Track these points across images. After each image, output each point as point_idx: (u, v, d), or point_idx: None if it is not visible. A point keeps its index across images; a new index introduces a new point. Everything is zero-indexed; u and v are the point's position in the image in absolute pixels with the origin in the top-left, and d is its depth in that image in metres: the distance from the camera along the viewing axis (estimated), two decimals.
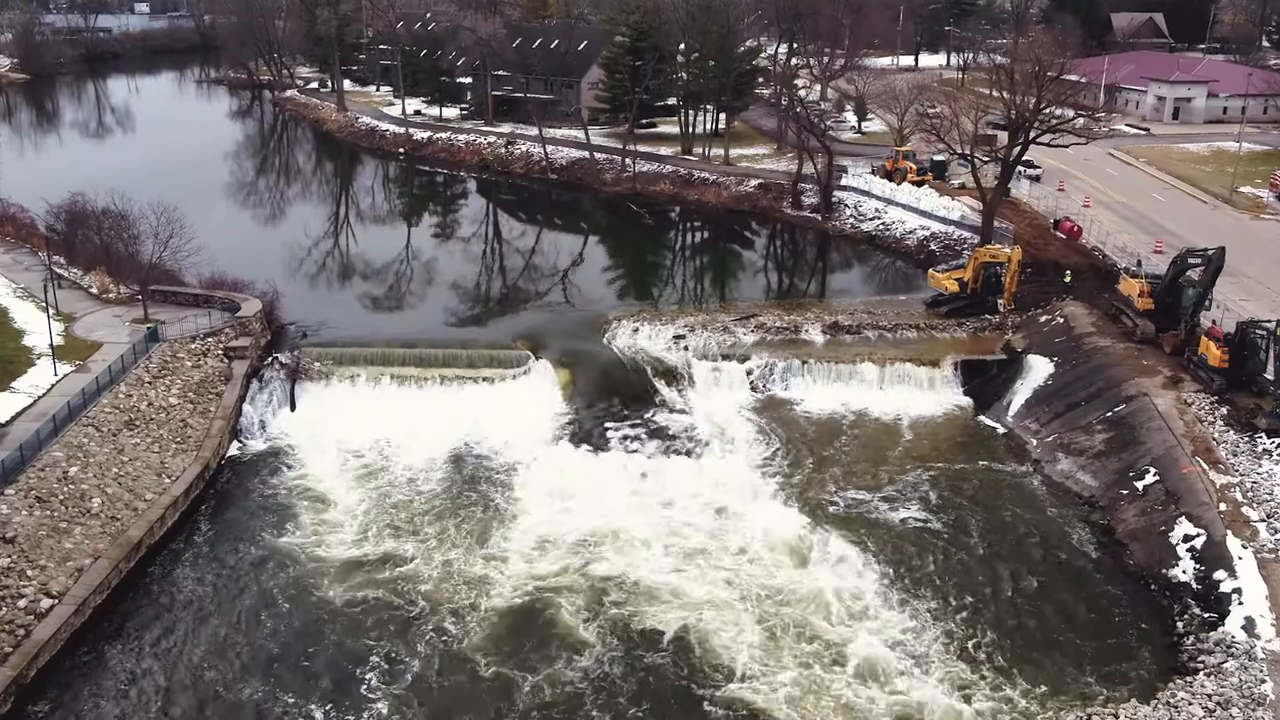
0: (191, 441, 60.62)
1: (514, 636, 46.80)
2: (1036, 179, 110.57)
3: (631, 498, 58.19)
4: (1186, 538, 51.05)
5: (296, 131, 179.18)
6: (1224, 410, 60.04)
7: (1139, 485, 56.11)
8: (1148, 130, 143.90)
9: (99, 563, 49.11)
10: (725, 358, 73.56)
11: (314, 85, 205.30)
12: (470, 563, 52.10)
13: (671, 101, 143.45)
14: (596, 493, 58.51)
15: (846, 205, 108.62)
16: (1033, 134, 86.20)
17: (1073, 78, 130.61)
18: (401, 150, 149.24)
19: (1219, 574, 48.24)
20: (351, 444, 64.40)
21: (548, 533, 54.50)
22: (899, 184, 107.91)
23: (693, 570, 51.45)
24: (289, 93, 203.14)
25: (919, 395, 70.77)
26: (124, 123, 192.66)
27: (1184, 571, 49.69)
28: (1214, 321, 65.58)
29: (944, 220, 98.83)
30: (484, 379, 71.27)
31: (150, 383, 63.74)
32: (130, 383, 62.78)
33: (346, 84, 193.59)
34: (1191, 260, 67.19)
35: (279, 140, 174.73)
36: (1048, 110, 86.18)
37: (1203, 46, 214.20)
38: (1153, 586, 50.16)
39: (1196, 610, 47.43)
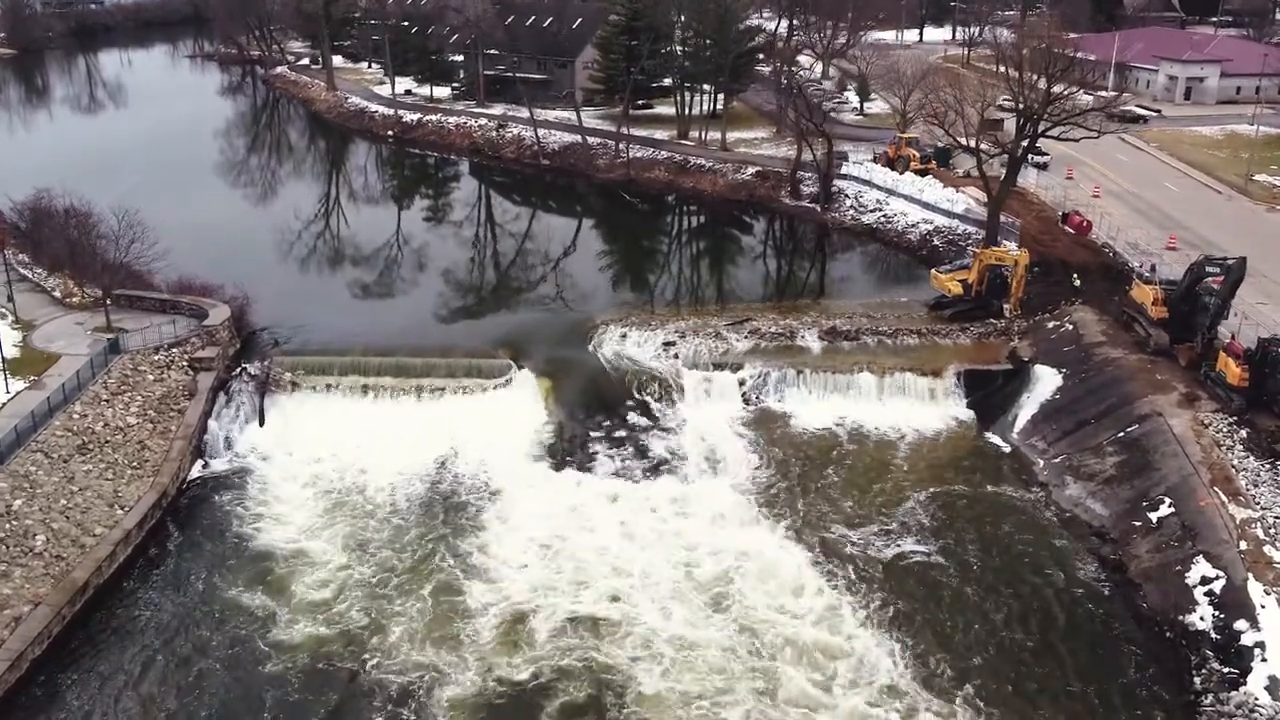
0: (149, 465, 57.26)
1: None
2: (1044, 166, 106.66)
3: (615, 530, 54.59)
4: (1204, 580, 47.65)
5: (284, 112, 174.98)
6: (1243, 433, 56.41)
7: (1153, 517, 52.63)
8: (1159, 112, 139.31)
9: (39, 610, 45.86)
10: (717, 366, 70.08)
11: (305, 61, 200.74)
12: (440, 624, 47.46)
13: (668, 82, 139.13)
14: (578, 525, 55.04)
15: (846, 195, 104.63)
16: (1041, 127, 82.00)
17: (1088, 57, 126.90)
18: (390, 133, 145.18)
19: (1240, 624, 44.88)
20: (321, 464, 61.21)
21: (525, 583, 50.33)
22: (901, 173, 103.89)
23: (679, 621, 47.78)
24: (279, 69, 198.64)
25: (920, 408, 67.23)
26: (106, 103, 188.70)
27: (1202, 619, 46.31)
28: (1233, 335, 61.86)
29: (948, 213, 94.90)
30: (464, 389, 67.96)
31: (108, 400, 60.34)
32: (86, 401, 59.39)
33: (338, 60, 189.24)
34: (1209, 269, 63.41)
35: (265, 122, 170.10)
36: (1057, 101, 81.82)
37: (1214, 20, 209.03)
38: (1168, 634, 46.81)
39: (1216, 665, 44.13)
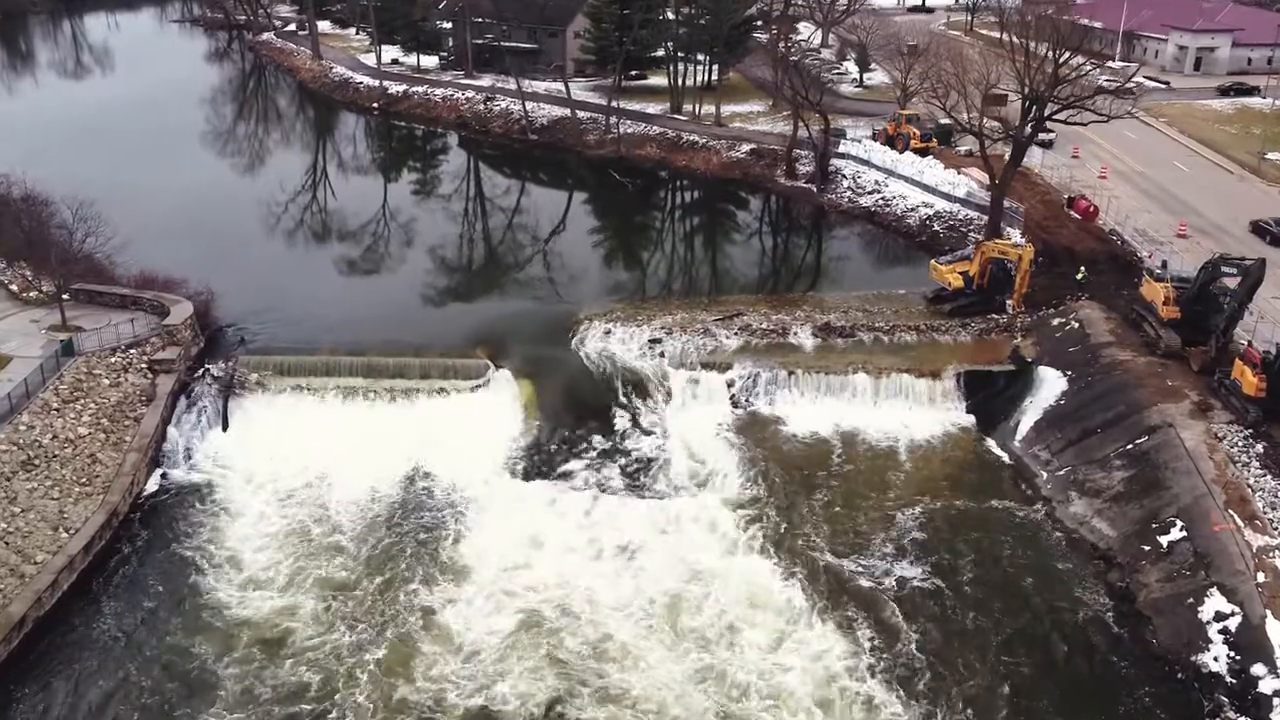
0: (99, 481, 53.95)
1: None
2: (1049, 145, 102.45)
3: (595, 553, 51.37)
4: (1218, 615, 44.54)
5: (268, 81, 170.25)
6: (1260, 448, 53.06)
7: (1163, 541, 49.44)
8: (1167, 84, 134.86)
9: None
10: (705, 366, 66.64)
11: (292, 27, 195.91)
12: (402, 670, 43.84)
13: (662, 53, 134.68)
14: (556, 547, 51.81)
15: (844, 176, 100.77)
16: (1048, 111, 77.92)
17: (1094, 25, 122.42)
18: (376, 105, 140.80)
19: (1257, 668, 41.87)
20: (286, 474, 57.88)
21: (497, 616, 47.04)
22: (900, 151, 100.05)
23: (658, 658, 44.82)
24: (265, 35, 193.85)
25: (917, 412, 63.89)
26: (90, 69, 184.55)
27: (1216, 659, 43.25)
28: (1249, 341, 58.35)
29: (949, 197, 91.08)
30: (439, 391, 64.76)
31: (58, 409, 56.95)
32: (35, 410, 55.95)
33: (326, 26, 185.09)
34: (1225, 269, 59.86)
35: (246, 93, 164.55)
36: (1065, 83, 77.53)
37: None
38: (1180, 675, 43.75)
39: (1231, 713, 41.17)
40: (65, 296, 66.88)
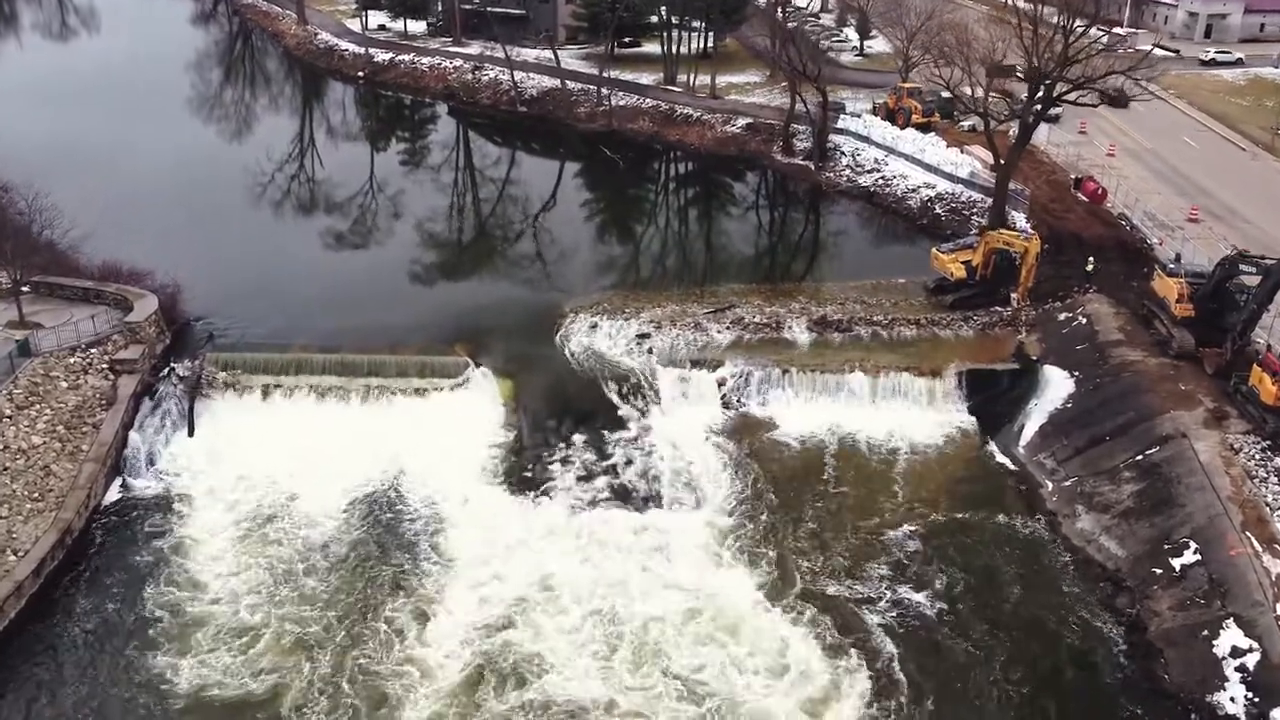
0: (52, 496, 51.00)
1: None
2: (1055, 120, 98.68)
3: (575, 572, 48.55)
4: (1235, 651, 41.86)
5: (252, 46, 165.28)
6: (1279, 462, 50.27)
7: (1175, 564, 46.68)
8: (1177, 52, 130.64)
9: None
10: (695, 364, 63.55)
11: None
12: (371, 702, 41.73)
13: (656, 19, 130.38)
14: (535, 564, 49.06)
15: (843, 153, 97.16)
16: (1057, 91, 74.24)
17: None
18: (361, 73, 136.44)
19: (1277, 713, 39.24)
20: (254, 484, 54.68)
21: (472, 642, 44.64)
22: (901, 127, 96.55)
23: (640, 690, 42.36)
24: None
25: (916, 414, 60.95)
26: (68, 32, 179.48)
27: (1233, 700, 40.63)
28: (1267, 344, 55.32)
29: (951, 178, 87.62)
30: (415, 390, 61.87)
31: (11, 417, 53.89)
32: None
33: None
34: (1243, 268, 56.70)
35: (229, 61, 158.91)
36: (1074, 62, 73.69)
37: None
38: (1193, 716, 41.15)
39: None
40: (25, 289, 63.79)
